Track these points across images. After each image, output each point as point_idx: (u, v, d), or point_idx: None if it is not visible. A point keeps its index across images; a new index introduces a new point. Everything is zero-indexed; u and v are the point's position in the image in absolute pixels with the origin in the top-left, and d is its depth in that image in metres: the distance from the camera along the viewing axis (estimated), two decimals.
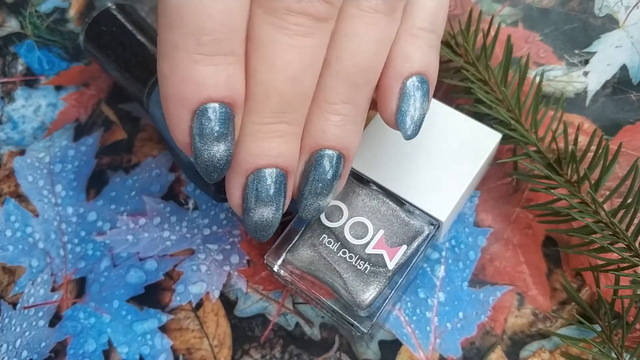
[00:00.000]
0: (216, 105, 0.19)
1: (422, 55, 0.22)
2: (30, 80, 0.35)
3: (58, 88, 0.34)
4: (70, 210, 0.31)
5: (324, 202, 0.23)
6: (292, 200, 0.23)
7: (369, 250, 0.25)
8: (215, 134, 0.20)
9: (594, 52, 0.32)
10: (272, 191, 0.21)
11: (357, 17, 0.21)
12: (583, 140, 0.30)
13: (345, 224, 0.25)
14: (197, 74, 0.19)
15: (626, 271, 0.25)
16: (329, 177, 0.22)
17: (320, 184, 0.22)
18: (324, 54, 0.21)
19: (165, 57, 0.19)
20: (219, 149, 0.20)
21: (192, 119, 0.20)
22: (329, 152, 0.22)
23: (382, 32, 0.21)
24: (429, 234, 0.25)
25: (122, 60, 0.30)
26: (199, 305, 0.28)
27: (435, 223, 0.25)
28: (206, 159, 0.20)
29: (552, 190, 0.26)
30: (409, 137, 0.23)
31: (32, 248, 0.30)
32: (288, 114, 0.21)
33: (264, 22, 0.19)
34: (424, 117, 0.23)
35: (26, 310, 0.29)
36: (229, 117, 0.20)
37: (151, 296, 0.28)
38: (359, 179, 0.26)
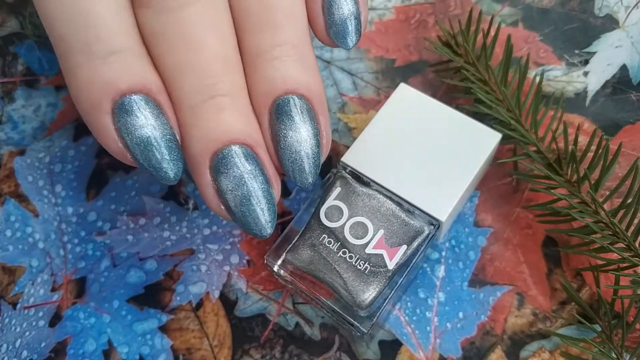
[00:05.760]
0: (130, 95, 0.19)
1: None
2: (30, 80, 0.35)
3: (58, 88, 0.34)
4: (70, 210, 0.31)
5: (309, 161, 0.20)
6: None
7: (369, 250, 0.25)
8: (140, 122, 0.19)
9: (594, 52, 0.32)
10: (243, 170, 0.19)
11: None
12: (583, 140, 0.30)
13: (345, 224, 0.25)
14: (98, 75, 0.19)
15: (626, 271, 0.25)
16: (298, 125, 0.19)
17: (293, 136, 0.19)
18: (223, 14, 0.20)
19: (68, 71, 0.19)
20: (154, 137, 0.19)
21: (113, 120, 0.19)
22: (286, 97, 0.19)
23: None
24: (429, 234, 0.25)
25: None
26: (199, 305, 0.28)
27: (435, 223, 0.25)
28: (143, 154, 0.19)
29: (552, 190, 0.26)
30: (347, 46, 0.21)
31: (32, 248, 0.30)
32: (215, 84, 0.19)
33: (143, 15, 0.19)
34: (359, 21, 0.21)
35: (26, 310, 0.29)
36: (147, 102, 0.19)
37: (151, 296, 0.28)
38: (359, 179, 0.26)
